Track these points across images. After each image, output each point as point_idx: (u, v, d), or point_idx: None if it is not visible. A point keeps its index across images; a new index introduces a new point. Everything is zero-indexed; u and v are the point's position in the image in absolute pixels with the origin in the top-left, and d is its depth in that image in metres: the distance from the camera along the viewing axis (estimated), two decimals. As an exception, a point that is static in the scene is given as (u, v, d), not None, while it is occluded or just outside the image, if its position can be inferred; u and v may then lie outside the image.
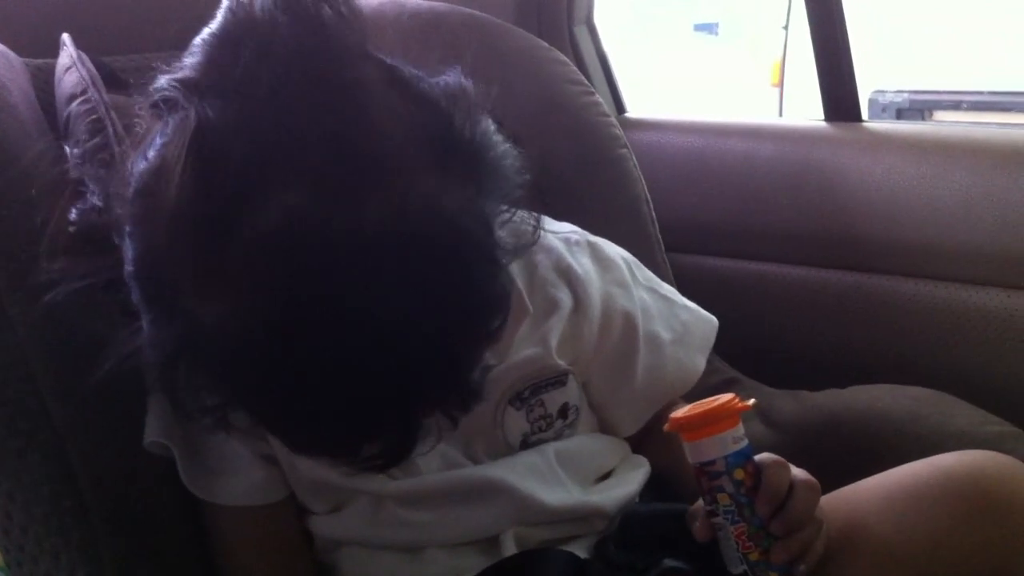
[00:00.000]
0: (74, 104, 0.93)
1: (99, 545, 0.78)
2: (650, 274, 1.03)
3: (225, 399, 0.69)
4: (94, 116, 0.90)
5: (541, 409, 0.91)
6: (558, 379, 0.91)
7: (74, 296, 0.71)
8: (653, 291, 1.00)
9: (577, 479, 0.91)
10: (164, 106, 0.67)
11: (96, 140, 0.81)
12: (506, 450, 0.90)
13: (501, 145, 0.71)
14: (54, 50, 1.02)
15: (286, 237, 0.61)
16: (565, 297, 0.91)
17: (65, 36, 1.01)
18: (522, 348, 0.89)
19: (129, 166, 0.67)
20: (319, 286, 0.61)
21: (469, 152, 0.68)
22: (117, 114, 0.92)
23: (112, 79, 1.08)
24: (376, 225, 0.61)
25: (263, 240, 0.61)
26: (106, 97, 0.93)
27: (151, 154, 0.65)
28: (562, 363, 0.91)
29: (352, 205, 0.61)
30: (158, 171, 0.64)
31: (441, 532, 0.87)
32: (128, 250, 0.66)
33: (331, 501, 0.88)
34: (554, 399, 0.91)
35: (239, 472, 0.85)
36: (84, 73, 0.95)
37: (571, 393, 0.92)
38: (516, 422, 0.90)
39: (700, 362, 1.01)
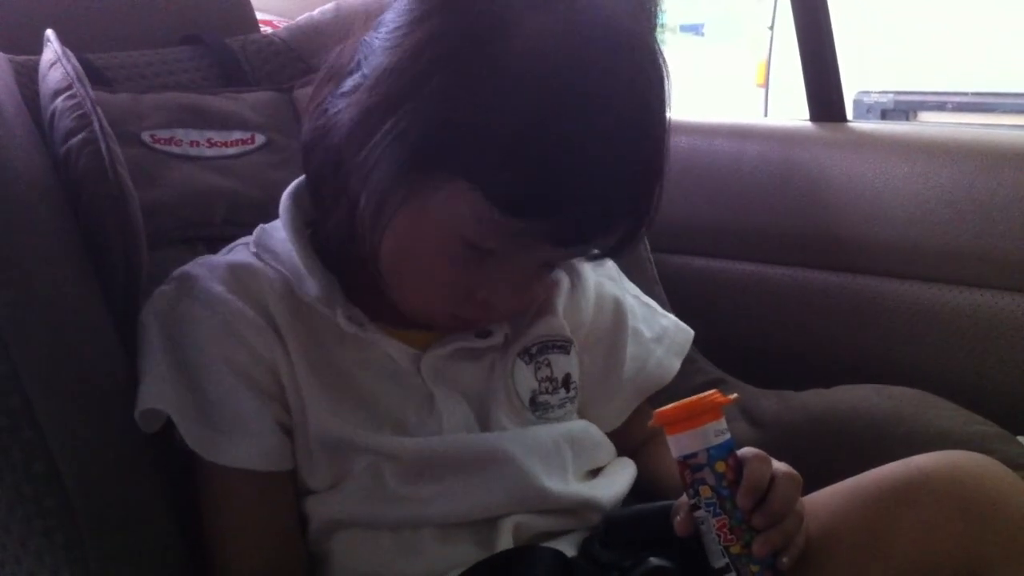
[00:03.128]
0: (59, 100, 0.92)
1: (84, 546, 0.78)
2: (633, 286, 1.10)
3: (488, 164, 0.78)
4: (80, 111, 0.90)
5: (547, 370, 0.96)
6: (563, 345, 0.97)
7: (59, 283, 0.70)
8: (636, 297, 1.08)
9: (577, 467, 0.94)
10: None
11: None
12: (519, 406, 0.93)
13: None
14: (38, 47, 1.02)
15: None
16: (563, 278, 1.00)
17: (49, 32, 1.01)
18: (533, 313, 0.97)
19: None
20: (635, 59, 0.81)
21: None
22: (100, 110, 0.92)
23: (96, 76, 1.08)
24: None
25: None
26: (91, 92, 0.93)
27: None
28: (567, 329, 0.98)
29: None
30: None
31: (439, 508, 0.87)
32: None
33: (333, 470, 0.88)
34: (559, 364, 0.96)
35: (254, 435, 0.86)
36: (69, 69, 0.94)
37: (573, 366, 0.98)
38: (525, 376, 0.94)
39: (676, 364, 1.07)
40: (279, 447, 0.87)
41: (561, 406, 0.96)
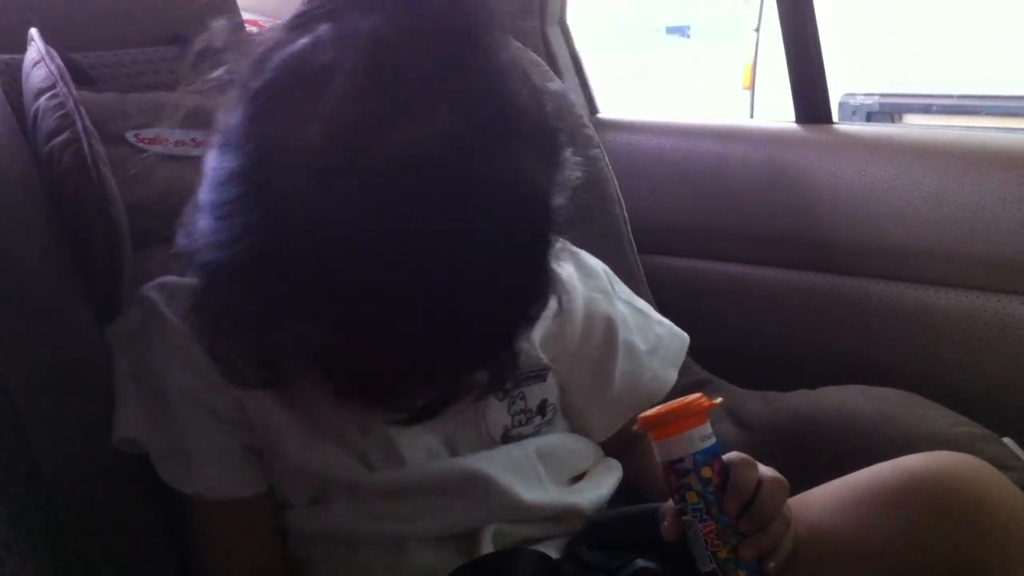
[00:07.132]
0: (42, 99, 0.92)
1: (67, 548, 0.77)
2: (627, 289, 1.05)
3: (291, 333, 0.68)
4: (63, 111, 0.90)
5: (522, 403, 0.92)
6: (539, 374, 0.93)
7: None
8: (630, 304, 1.03)
9: (555, 477, 0.92)
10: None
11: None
12: (488, 443, 0.91)
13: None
14: (21, 46, 1.01)
15: (435, 155, 0.63)
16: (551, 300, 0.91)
17: (33, 31, 1.00)
18: None
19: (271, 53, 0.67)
20: (445, 206, 0.63)
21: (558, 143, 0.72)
22: (85, 109, 0.91)
23: (81, 75, 1.07)
24: (511, 174, 0.66)
25: (413, 152, 0.62)
26: (75, 92, 0.92)
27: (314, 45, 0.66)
28: (544, 358, 0.93)
29: (497, 149, 0.66)
30: (326, 67, 0.64)
31: (420, 525, 0.87)
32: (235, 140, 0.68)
33: (312, 492, 0.88)
34: (534, 394, 0.93)
35: (220, 464, 0.85)
36: (53, 68, 0.94)
37: (550, 390, 0.94)
38: (498, 414, 0.91)
39: (672, 375, 1.03)
40: (248, 473, 0.86)
41: (536, 432, 0.93)
